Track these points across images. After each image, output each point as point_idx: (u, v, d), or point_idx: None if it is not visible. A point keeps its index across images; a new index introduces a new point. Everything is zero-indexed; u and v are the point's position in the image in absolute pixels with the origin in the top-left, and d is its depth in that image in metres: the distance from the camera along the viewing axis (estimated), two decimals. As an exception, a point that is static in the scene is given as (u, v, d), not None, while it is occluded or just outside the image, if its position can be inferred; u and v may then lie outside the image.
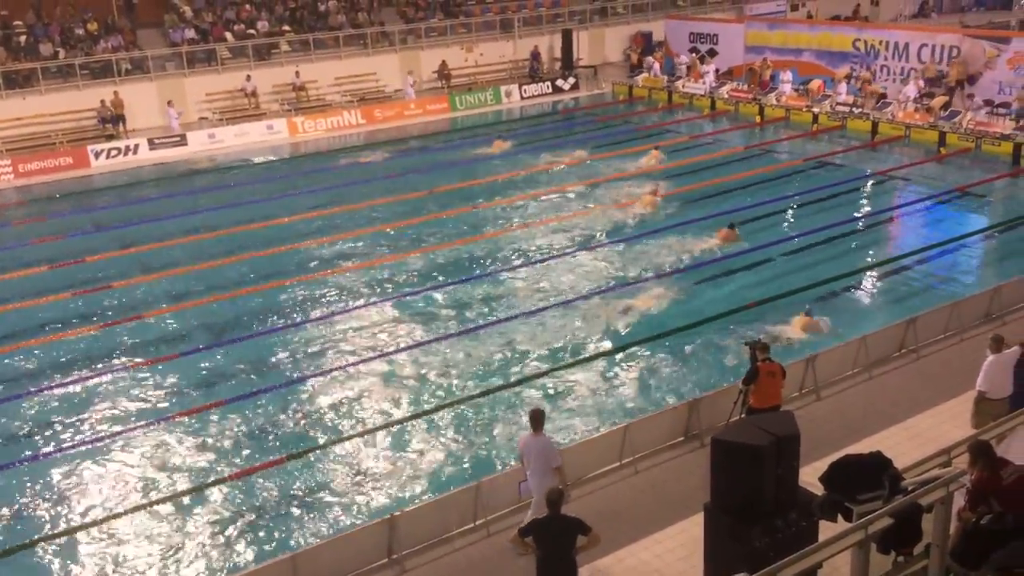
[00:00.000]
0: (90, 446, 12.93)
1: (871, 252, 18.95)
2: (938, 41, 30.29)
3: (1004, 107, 27.01)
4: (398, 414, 13.42)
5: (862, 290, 16.85)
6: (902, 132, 27.56)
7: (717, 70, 35.12)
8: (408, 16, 39.03)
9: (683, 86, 34.98)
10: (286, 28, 36.45)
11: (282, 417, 13.55)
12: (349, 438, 12.82)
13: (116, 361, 15.51)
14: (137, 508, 11.45)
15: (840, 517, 7.59)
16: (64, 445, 13.02)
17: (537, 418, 9.61)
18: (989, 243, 19.55)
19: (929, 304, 15.14)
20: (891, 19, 42.53)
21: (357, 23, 37.55)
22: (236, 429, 13.23)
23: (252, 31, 35.62)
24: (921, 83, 29.38)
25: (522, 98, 36.73)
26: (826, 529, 7.84)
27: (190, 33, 34.43)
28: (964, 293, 15.46)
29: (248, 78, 33.56)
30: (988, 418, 10.38)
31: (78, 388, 14.63)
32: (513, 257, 19.45)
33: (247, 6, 37.03)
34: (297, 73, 34.55)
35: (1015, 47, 28.26)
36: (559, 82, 37.78)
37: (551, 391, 13.82)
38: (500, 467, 11.64)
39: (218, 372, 15.02)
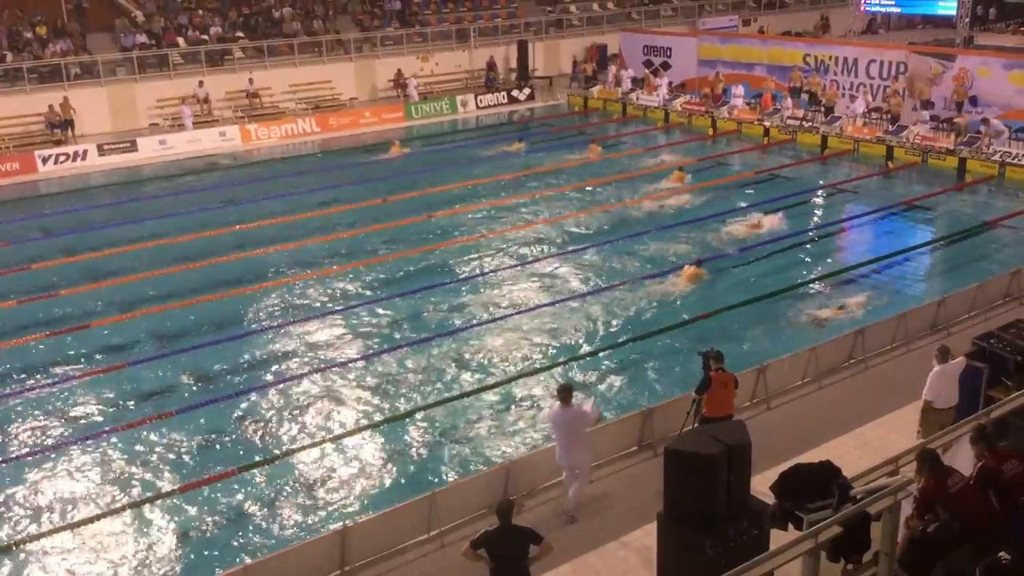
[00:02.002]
0: (33, 458, 12.63)
1: (820, 264, 19.21)
2: (886, 57, 30.97)
3: (948, 122, 27.62)
4: (351, 425, 13.31)
5: (810, 302, 17.07)
6: (851, 146, 28.09)
7: (670, 83, 35.50)
8: (364, 24, 38.92)
9: (637, 98, 35.30)
10: (240, 34, 36.13)
11: (233, 428, 13.37)
12: (301, 449, 12.68)
13: (62, 371, 15.17)
14: (82, 522, 11.19)
15: (791, 526, 7.68)
16: (6, 456, 12.69)
17: (565, 392, 10.26)
18: (934, 255, 19.98)
19: (876, 316, 15.39)
20: (841, 35, 43.36)
21: (312, 31, 37.35)
22: (185, 441, 13.02)
23: (205, 37, 35.24)
24: (870, 98, 29.97)
25: (478, 108, 36.79)
26: (777, 538, 7.92)
27: (141, 38, 33.95)
28: (910, 305, 15.72)
29: (200, 84, 33.17)
30: (934, 427, 10.58)
31: (22, 399, 14.28)
32: (467, 268, 19.45)
33: (200, 12, 36.65)
34: (251, 80, 34.24)
35: (960, 64, 28.99)
36: (515, 92, 37.91)
37: (507, 400, 13.82)
38: (454, 477, 11.60)
39: (167, 382, 14.77)
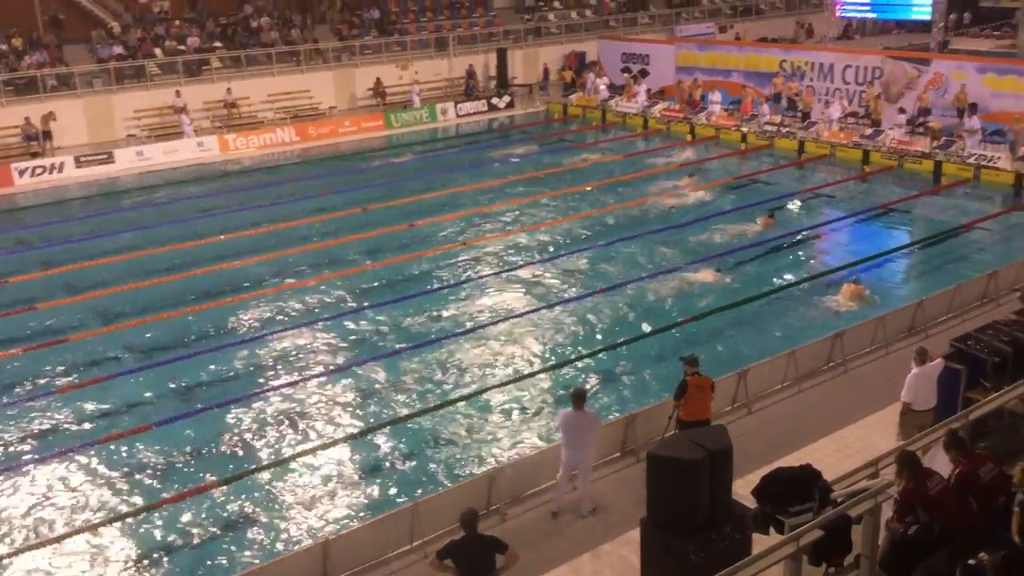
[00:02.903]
0: (11, 472, 12.50)
1: (798, 268, 19.32)
2: (861, 62, 31.23)
3: (923, 127, 27.88)
4: (333, 435, 13.26)
5: (790, 306, 17.17)
6: (827, 151, 28.30)
7: (649, 90, 35.67)
8: (342, 33, 38.87)
9: (616, 105, 35.45)
10: (217, 44, 36.00)
11: (214, 441, 13.28)
12: (282, 461, 12.61)
13: (40, 385, 15.03)
14: (61, 537, 11.09)
15: (773, 530, 7.71)
16: (-16, 473, 12.58)
17: (579, 396, 10.66)
18: (912, 258, 20.14)
19: (855, 319, 15.50)
20: (816, 41, 43.72)
21: (290, 40, 37.28)
22: (165, 454, 12.93)
23: (182, 47, 35.09)
24: (846, 103, 30.21)
25: (458, 116, 36.80)
26: (760, 542, 7.96)
27: (118, 49, 33.76)
28: (888, 307, 15.84)
29: (178, 94, 33.01)
30: (914, 429, 10.65)
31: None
32: (448, 276, 19.44)
33: (177, 22, 36.51)
34: (228, 90, 34.11)
35: (935, 68, 29.28)
36: (494, 100, 37.97)
37: (490, 408, 13.81)
38: (438, 487, 11.57)
39: (146, 395, 14.64)
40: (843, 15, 40.89)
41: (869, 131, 28.30)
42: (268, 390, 14.59)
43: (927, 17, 36.64)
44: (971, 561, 6.69)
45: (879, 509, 7.28)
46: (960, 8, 46.25)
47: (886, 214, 22.95)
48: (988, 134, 26.45)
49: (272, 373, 15.27)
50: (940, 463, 8.56)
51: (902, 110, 28.66)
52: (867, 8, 39.01)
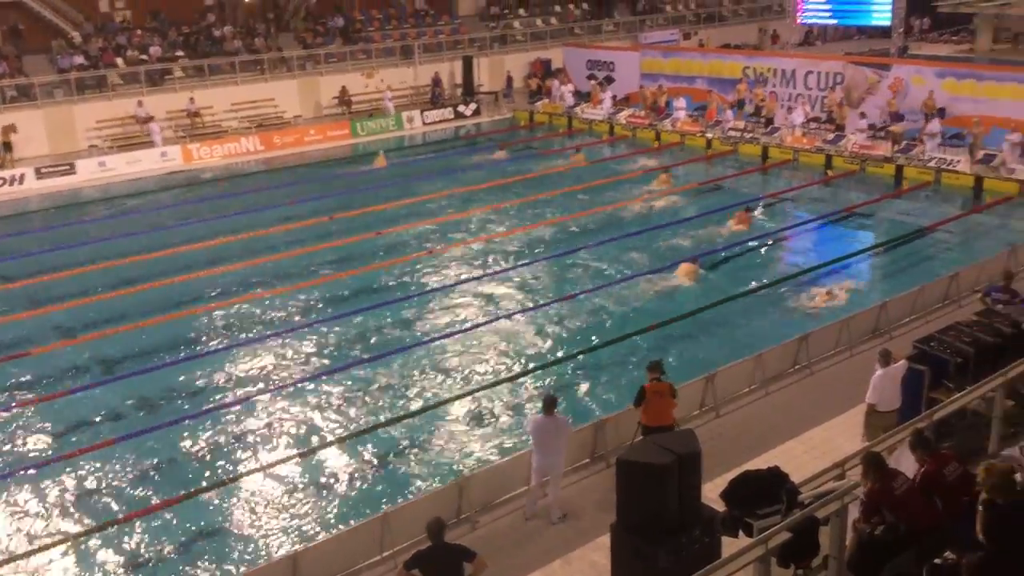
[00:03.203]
0: (-28, 491, 12.29)
1: (764, 272, 19.48)
2: (823, 68, 31.61)
3: (885, 131, 28.26)
4: (301, 446, 13.16)
5: (756, 309, 17.32)
6: (791, 156, 28.60)
7: (614, 96, 35.86)
8: (307, 42, 38.70)
9: (582, 112, 35.59)
10: (180, 54, 35.70)
11: (180, 454, 13.13)
12: (250, 473, 12.51)
13: (1, 400, 14.78)
14: (27, 554, 10.89)
15: (742, 532, 7.75)
16: (-57, 491, 12.33)
17: (550, 402, 10.71)
18: (875, 261, 20.39)
19: (820, 321, 15.64)
20: (778, 47, 44.18)
21: (254, 48, 37.05)
22: (130, 468, 12.76)
23: (144, 57, 34.75)
24: (808, 108, 30.57)
25: (424, 124, 36.77)
26: (729, 545, 8.00)
27: (79, 59, 33.36)
28: (852, 309, 16.00)
29: (140, 104, 32.68)
30: (879, 430, 10.76)
31: (-41, 430, 13.90)
32: (415, 284, 19.40)
33: (139, 31, 36.16)
34: (192, 99, 33.82)
35: (895, 73, 29.72)
36: (461, 108, 37.98)
37: (459, 416, 13.78)
38: (408, 496, 11.51)
39: (110, 409, 14.45)
40: (804, 21, 41.41)
41: (831, 136, 28.65)
42: (234, 402, 14.45)
43: (887, 23, 37.20)
44: (937, 560, 6.77)
45: (846, 510, 7.33)
46: (919, 13, 47.04)
47: (849, 218, 23.23)
48: (948, 138, 26.89)
49: (238, 385, 15.12)
50: (905, 464, 8.65)
51: (863, 115, 29.06)
52: (828, 14, 39.54)
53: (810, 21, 41.66)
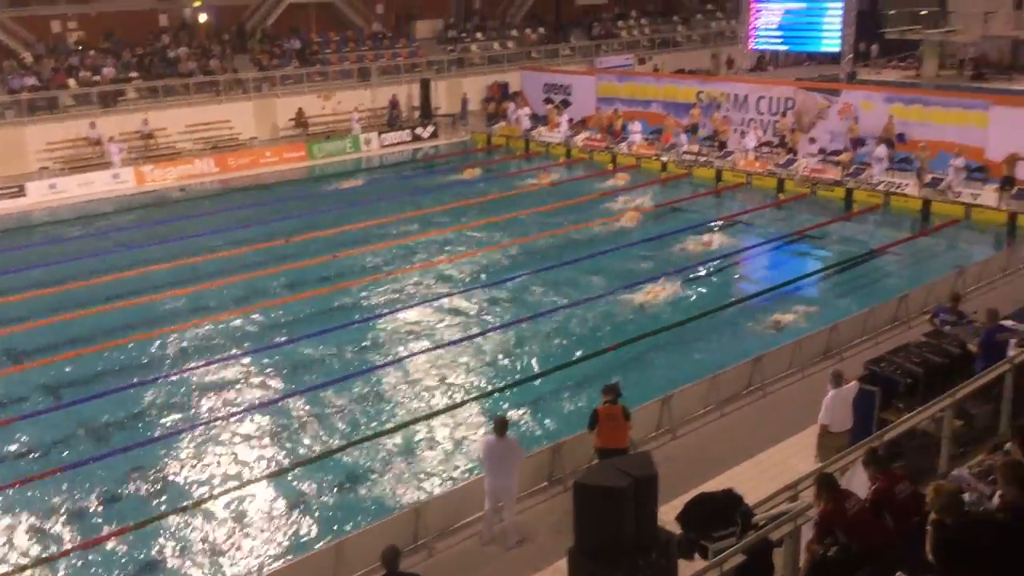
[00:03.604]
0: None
1: (719, 293, 19.66)
2: (775, 93, 32.17)
3: (836, 154, 28.80)
4: (255, 474, 12.99)
5: (710, 332, 17.48)
6: (744, 179, 29.02)
7: (571, 120, 36.16)
8: (262, 64, 38.54)
9: (539, 135, 35.82)
10: (133, 75, 35.34)
11: (128, 482, 12.89)
12: (201, 502, 12.30)
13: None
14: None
15: (697, 555, 7.78)
16: None
17: (501, 424, 10.65)
18: (825, 283, 20.66)
19: (773, 343, 15.82)
20: (731, 72, 44.89)
21: (209, 70, 36.80)
22: (77, 497, 12.49)
23: (97, 78, 34.35)
24: (760, 133, 31.08)
25: (381, 146, 36.74)
26: (685, 568, 8.02)
27: (31, 80, 32.87)
28: (804, 331, 16.21)
29: (92, 126, 32.26)
30: (831, 451, 10.88)
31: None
32: (373, 308, 19.30)
33: (92, 52, 35.74)
34: (145, 120, 33.48)
35: (844, 98, 30.33)
36: (418, 130, 38.02)
37: (414, 441, 13.70)
38: (363, 523, 11.40)
39: (58, 437, 14.15)
40: (756, 47, 42.12)
41: (783, 160, 29.14)
42: (186, 428, 14.23)
43: (836, 49, 37.98)
44: (889, 580, 6.85)
45: (799, 532, 7.40)
46: (867, 40, 48.09)
47: (801, 240, 23.58)
48: (896, 161, 27.46)
49: (191, 410, 14.91)
50: (857, 484, 8.76)
51: (812, 140, 29.61)
52: (779, 40, 40.28)
53: (762, 47, 42.43)
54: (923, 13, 44.88)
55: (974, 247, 22.43)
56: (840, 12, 36.59)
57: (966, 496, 7.49)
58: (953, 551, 5.97)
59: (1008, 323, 13.36)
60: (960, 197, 24.76)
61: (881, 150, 26.99)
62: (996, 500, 7.15)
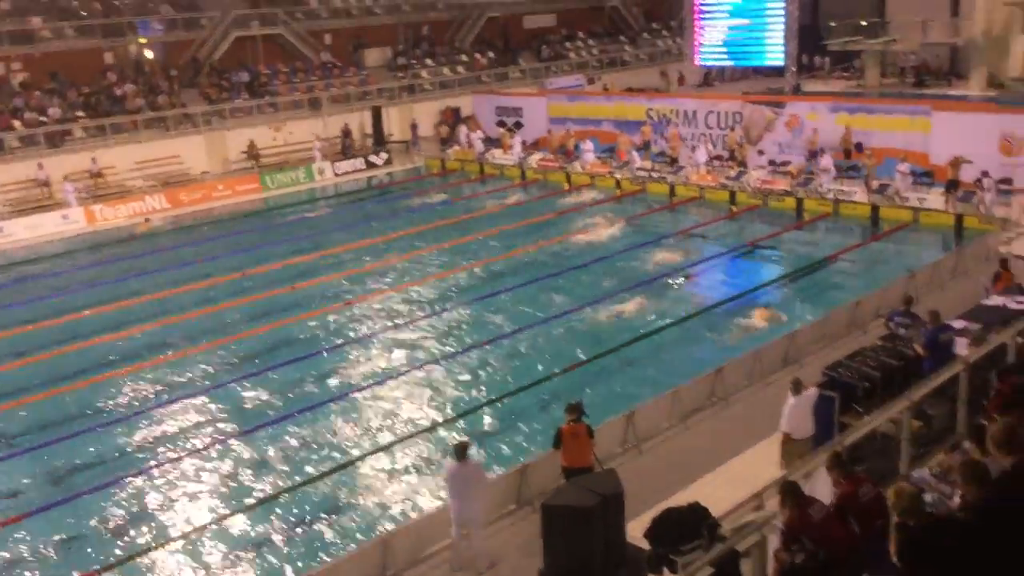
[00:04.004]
0: None
1: (674, 306, 19.79)
2: (722, 108, 32.65)
3: (785, 165, 29.25)
4: (216, 512, 12.78)
5: (668, 344, 17.60)
6: (697, 193, 29.34)
7: (524, 141, 36.34)
8: (211, 97, 38.28)
9: (493, 157, 35.96)
10: (80, 114, 34.91)
11: (89, 528, 12.63)
12: (161, 544, 12.06)
13: None
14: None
15: (667, 570, 7.79)
16: None
17: (461, 449, 10.60)
18: (780, 292, 20.90)
19: (732, 353, 15.94)
20: (679, 89, 45.45)
21: (157, 106, 36.47)
22: (37, 546, 12.20)
23: (43, 118, 33.87)
24: (710, 147, 31.48)
25: (335, 175, 36.60)
26: (655, 583, 8.03)
27: (-27, 122, 32.37)
28: (762, 340, 16.37)
29: (40, 167, 31.77)
30: (794, 458, 10.99)
31: None
32: (334, 337, 19.16)
33: (36, 93, 35.26)
34: (93, 159, 33.05)
35: (790, 110, 30.86)
36: (372, 158, 37.97)
37: (385, 469, 13.59)
38: (330, 557, 11.26)
39: (18, 483, 13.84)
40: (702, 64, 42.71)
41: (734, 173, 29.52)
42: (147, 469, 13.99)
43: (780, 63, 38.63)
44: (856, 584, 6.90)
45: (766, 541, 7.43)
46: (809, 52, 49.02)
47: (755, 250, 23.86)
48: (844, 170, 27.94)
49: (151, 451, 14.67)
50: (821, 490, 8.83)
51: (761, 152, 30.06)
52: (724, 56, 40.85)
53: (707, 63, 43.00)
54: (863, 24, 45.89)
55: (924, 250, 22.86)
56: (782, 26, 37.26)
57: (927, 497, 7.58)
58: (917, 552, 6.01)
59: (959, 323, 13.64)
60: (907, 202, 25.25)
61: (826, 161, 27.45)
62: (957, 500, 7.24)
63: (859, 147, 28.26)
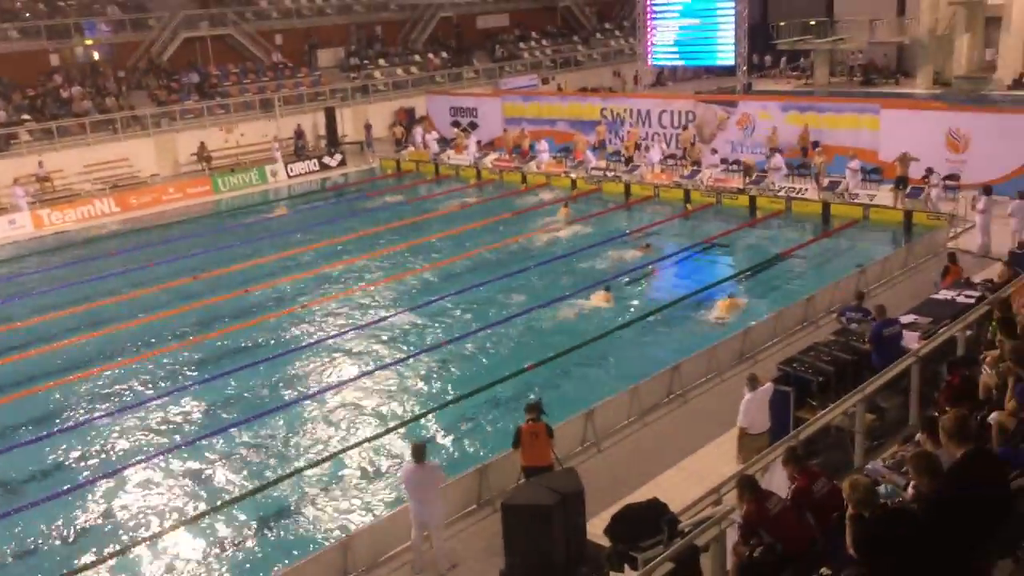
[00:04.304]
0: None
1: (632, 304, 19.91)
2: (676, 107, 32.93)
3: (737, 164, 29.60)
4: (174, 519, 12.58)
5: (627, 342, 17.69)
6: (652, 192, 29.53)
7: (479, 142, 36.32)
8: (160, 99, 37.71)
9: (448, 158, 35.88)
10: (26, 117, 34.18)
11: (41, 539, 12.34)
12: (121, 552, 11.85)
13: None
14: None
15: (627, 566, 7.82)
16: None
17: (419, 450, 10.59)
18: (735, 288, 21.06)
19: (688, 351, 16.04)
20: (632, 88, 45.77)
21: (105, 108, 35.84)
22: (-13, 558, 11.92)
23: (-13, 122, 33.15)
24: (664, 146, 31.71)
25: (289, 176, 36.25)
26: (616, 580, 8.06)
27: (-85, 127, 31.53)
28: (718, 337, 16.50)
29: (-16, 171, 31.08)
30: (751, 452, 11.10)
31: None
32: (289, 341, 18.96)
33: (-21, 96, 34.51)
34: (40, 163, 32.37)
35: (742, 109, 31.20)
36: (326, 159, 37.66)
37: (343, 472, 13.47)
38: (290, 561, 11.13)
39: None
40: (655, 64, 43.05)
41: (688, 171, 29.77)
42: (100, 477, 13.71)
43: (731, 63, 39.09)
44: (813, 577, 6.98)
45: (724, 535, 7.50)
46: (760, 52, 49.65)
47: (710, 248, 24.07)
48: (796, 168, 28.33)
49: (104, 458, 14.38)
50: (777, 484, 8.94)
51: (714, 151, 30.37)
52: (676, 56, 41.22)
53: (660, 63, 43.34)
54: (812, 23, 46.58)
55: (874, 246, 23.21)
56: (732, 26, 37.72)
57: (881, 488, 7.69)
58: (872, 543, 6.11)
59: (908, 317, 13.88)
60: (858, 199, 25.65)
61: (777, 160, 27.80)
62: (910, 491, 7.36)
63: (815, 145, 28.57)
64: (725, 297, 19.06)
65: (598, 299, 19.63)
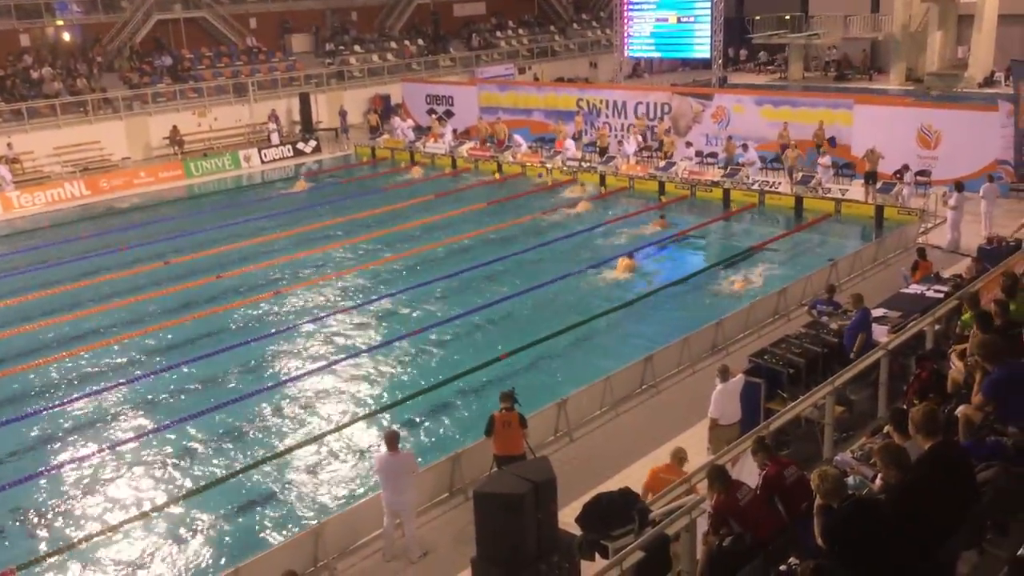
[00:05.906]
0: None
1: (604, 297, 19.97)
2: (651, 99, 33.00)
3: (712, 156, 29.77)
4: (145, 506, 12.50)
5: (601, 333, 17.76)
6: (627, 183, 29.60)
7: (455, 130, 36.20)
8: (132, 81, 37.25)
9: (424, 146, 35.75)
10: (-7, 97, 33.69)
11: (12, 518, 12.24)
12: (91, 536, 11.76)
13: None
14: None
15: (599, 555, 7.87)
16: None
17: (392, 438, 10.62)
18: (709, 280, 21.24)
19: (661, 342, 16.14)
20: (608, 80, 45.81)
21: (76, 90, 35.35)
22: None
23: (-47, 101, 32.60)
24: (639, 138, 31.79)
25: (263, 162, 35.96)
26: (588, 568, 8.11)
27: None
28: (691, 328, 16.59)
29: (-47, 152, 30.59)
30: (722, 443, 11.19)
31: None
32: (261, 327, 18.86)
33: (-54, 75, 33.93)
34: (9, 145, 31.92)
35: (717, 102, 31.34)
36: (300, 145, 37.40)
37: (315, 460, 13.44)
38: (262, 548, 11.11)
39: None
40: (631, 55, 43.09)
41: (663, 163, 29.86)
42: (72, 461, 13.62)
43: (707, 55, 39.23)
44: (783, 567, 7.06)
45: (695, 524, 7.56)
46: (735, 46, 49.85)
47: (683, 240, 24.19)
48: (769, 161, 28.51)
49: (76, 443, 14.26)
50: (747, 474, 9.03)
51: (689, 144, 30.50)
52: (652, 48, 41.30)
53: (636, 55, 43.39)
54: (787, 18, 46.83)
55: (845, 240, 23.45)
56: (708, 19, 37.85)
57: (849, 480, 7.79)
58: (840, 534, 6.19)
59: (879, 311, 14.05)
60: (830, 193, 25.87)
61: (751, 155, 27.96)
62: (878, 482, 7.46)
63: (832, 141, 28.38)
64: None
65: (622, 268, 20.90)
